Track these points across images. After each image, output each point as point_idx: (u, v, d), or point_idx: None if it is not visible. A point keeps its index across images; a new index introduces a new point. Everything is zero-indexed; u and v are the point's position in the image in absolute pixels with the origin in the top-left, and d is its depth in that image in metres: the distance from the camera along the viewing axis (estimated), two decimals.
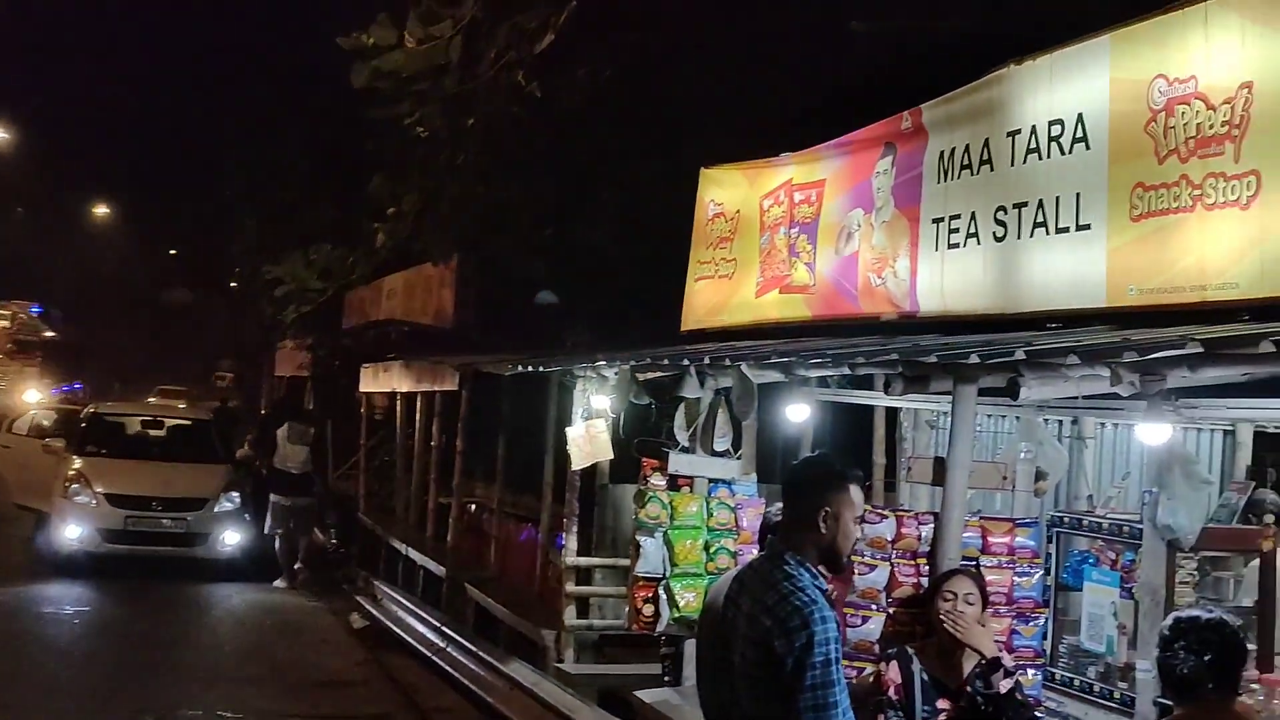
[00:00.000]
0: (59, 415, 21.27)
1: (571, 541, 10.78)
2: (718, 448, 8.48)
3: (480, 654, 11.39)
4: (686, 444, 8.59)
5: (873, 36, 13.24)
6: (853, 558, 5.78)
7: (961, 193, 7.51)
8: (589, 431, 9.67)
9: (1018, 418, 7.87)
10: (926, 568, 5.90)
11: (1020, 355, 5.40)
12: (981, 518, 6.39)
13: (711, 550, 7.83)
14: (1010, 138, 7.10)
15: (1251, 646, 6.02)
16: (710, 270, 10.47)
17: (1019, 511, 7.36)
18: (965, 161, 7.49)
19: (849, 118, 8.99)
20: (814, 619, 3.82)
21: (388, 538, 17.48)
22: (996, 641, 5.55)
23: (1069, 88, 6.70)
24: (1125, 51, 6.36)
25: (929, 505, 7.49)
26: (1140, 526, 6.11)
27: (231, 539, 17.66)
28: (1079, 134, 6.57)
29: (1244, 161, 5.58)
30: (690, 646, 7.65)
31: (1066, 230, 6.59)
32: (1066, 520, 7.04)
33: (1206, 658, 4.01)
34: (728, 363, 7.98)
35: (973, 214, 7.37)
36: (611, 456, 9.84)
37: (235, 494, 18.05)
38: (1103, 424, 8.06)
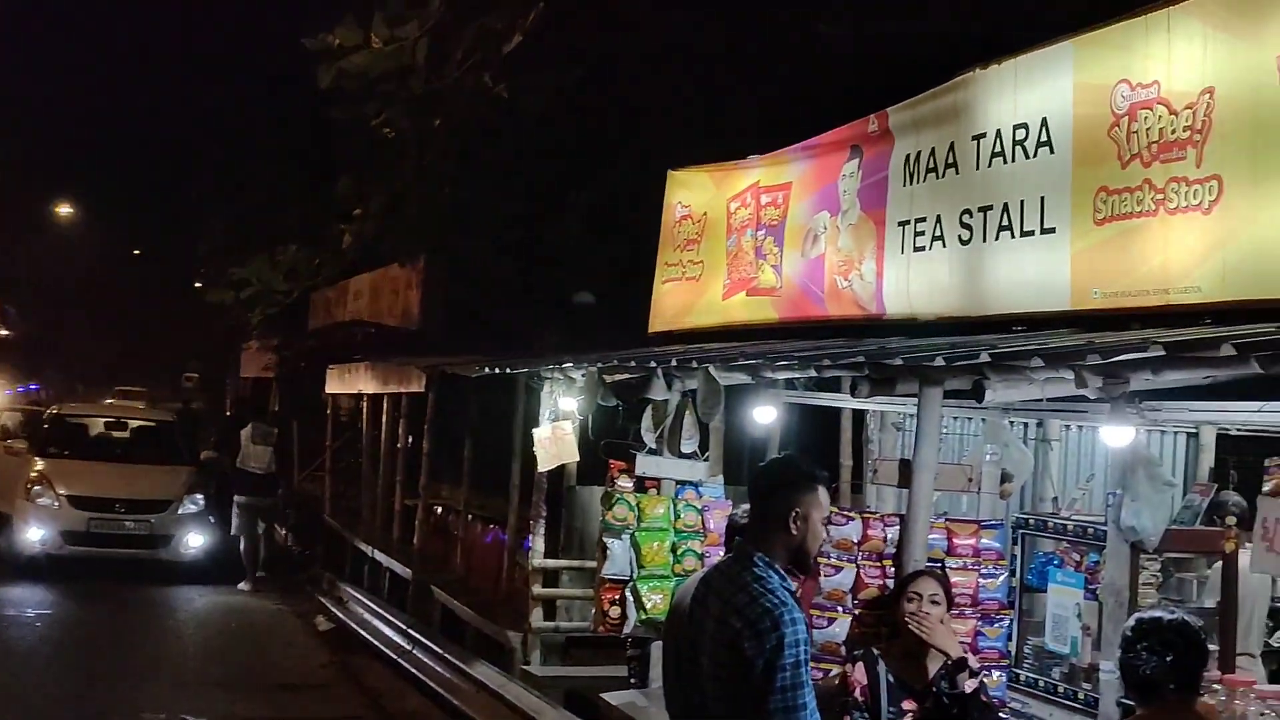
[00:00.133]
0: (22, 416, 21.10)
1: (538, 543, 10.76)
2: (685, 450, 8.49)
3: (446, 656, 11.35)
4: (653, 446, 8.60)
5: (840, 40, 13.28)
6: (819, 559, 5.81)
7: (927, 196, 7.54)
8: (555, 433, 9.66)
9: (983, 420, 7.92)
10: (892, 569, 5.92)
11: (985, 358, 5.43)
12: (947, 519, 6.42)
13: (679, 552, 7.83)
14: (975, 141, 7.14)
15: (1213, 647, 6.08)
16: (677, 272, 10.48)
17: (984, 513, 7.41)
18: (931, 165, 7.52)
19: (816, 121, 9.02)
20: (784, 620, 3.84)
21: (353, 540, 17.41)
22: (961, 642, 5.58)
23: (1033, 92, 6.74)
24: (1089, 56, 6.40)
25: (895, 507, 7.52)
26: (1104, 528, 6.16)
27: (195, 541, 17.56)
28: (1043, 138, 6.61)
29: (1206, 166, 5.62)
30: (657, 649, 7.65)
31: (1031, 233, 6.63)
32: (1031, 522, 7.09)
33: (1169, 658, 4.04)
34: (695, 365, 7.98)
35: (938, 217, 7.40)
36: (577, 458, 9.84)
37: (199, 496, 17.95)
38: (1068, 426, 8.12)
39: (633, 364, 8.75)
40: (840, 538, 6.04)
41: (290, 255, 23.45)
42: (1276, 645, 7.24)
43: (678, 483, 8.32)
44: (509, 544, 12.43)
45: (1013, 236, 6.77)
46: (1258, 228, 5.37)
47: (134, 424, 20.41)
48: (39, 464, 17.62)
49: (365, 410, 19.55)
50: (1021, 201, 6.71)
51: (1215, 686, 5.63)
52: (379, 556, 15.92)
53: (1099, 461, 8.04)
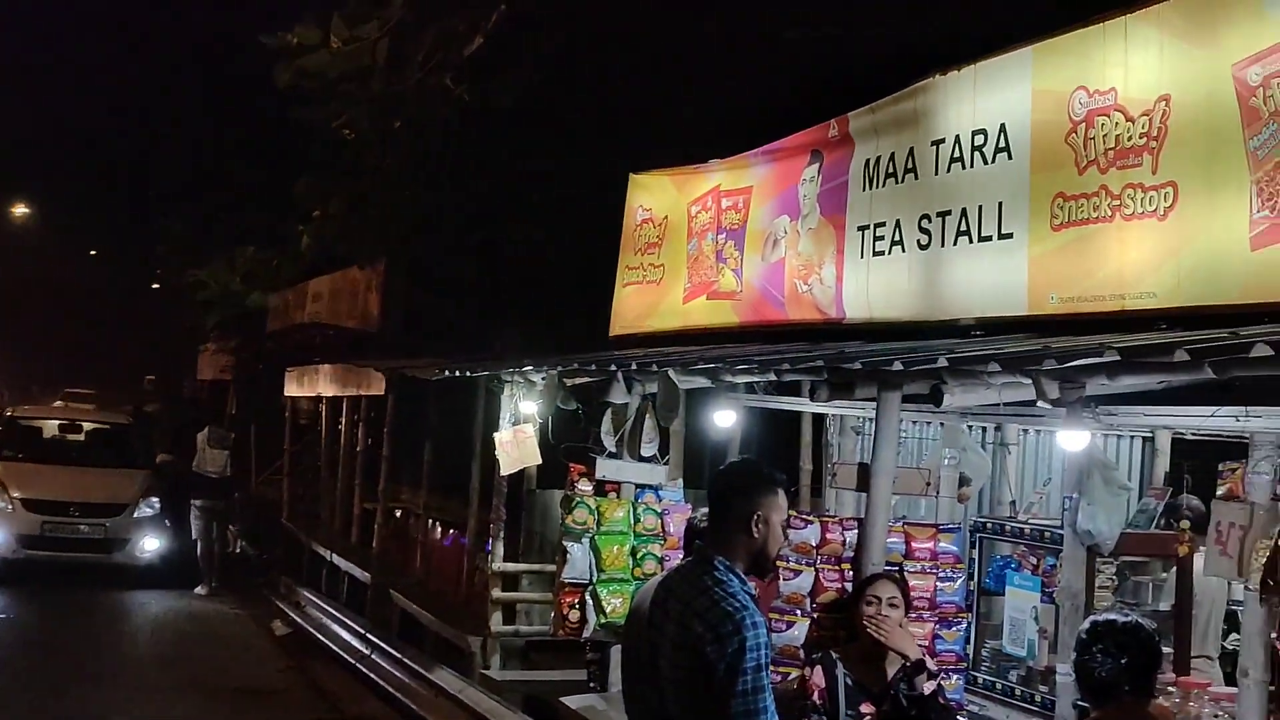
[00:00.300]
0: None
1: (498, 547, 10.73)
2: (644, 453, 8.49)
3: (405, 660, 11.31)
4: (613, 449, 8.59)
5: (802, 44, 13.32)
6: (778, 563, 5.82)
7: (887, 201, 7.58)
8: (516, 437, 9.63)
9: (942, 424, 7.95)
10: (851, 573, 5.94)
11: (943, 362, 5.45)
12: (905, 523, 6.45)
13: (638, 556, 7.83)
14: (934, 147, 7.18)
15: (1169, 649, 6.13)
16: (638, 276, 10.48)
17: (943, 517, 7.44)
18: (890, 170, 7.56)
19: (777, 125, 9.04)
20: (746, 624, 3.84)
21: (312, 543, 17.31)
22: (919, 645, 5.60)
23: (992, 98, 6.78)
24: (1047, 63, 6.45)
25: (854, 511, 7.53)
26: (1061, 532, 6.20)
27: (151, 545, 17.42)
28: (1001, 144, 6.66)
29: (1161, 173, 5.68)
30: (617, 652, 7.64)
31: (989, 239, 6.68)
32: (989, 526, 7.12)
33: (1123, 661, 4.07)
34: (655, 368, 7.98)
35: (897, 222, 7.43)
36: (539, 462, 9.82)
37: (155, 499, 17.80)
38: (1025, 430, 8.16)
39: (593, 367, 8.74)
40: (799, 541, 6.05)
41: (248, 257, 23.30)
42: (1231, 648, 7.30)
43: (637, 486, 8.32)
44: (469, 547, 12.40)
45: (971, 242, 6.81)
46: (1212, 234, 5.42)
47: (89, 427, 20.22)
48: None
49: (324, 413, 19.44)
50: (980, 207, 6.76)
51: (1170, 689, 5.69)
52: (337, 560, 15.84)
53: (1056, 466, 8.09)
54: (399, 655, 11.52)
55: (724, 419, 8.61)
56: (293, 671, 12.95)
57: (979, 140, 6.82)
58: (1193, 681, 5.84)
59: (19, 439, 18.76)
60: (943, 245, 7.04)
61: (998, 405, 6.19)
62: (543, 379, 9.36)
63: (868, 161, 7.77)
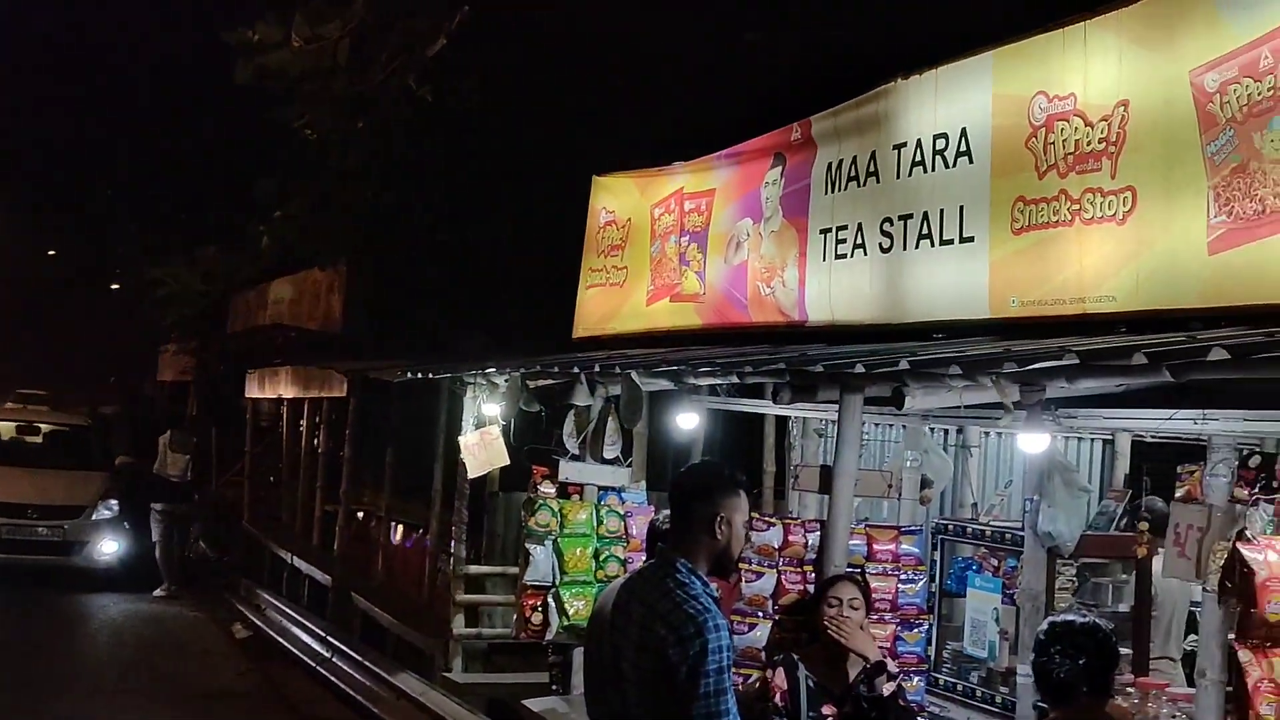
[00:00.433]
0: None
1: (461, 549, 10.70)
2: (607, 455, 8.48)
3: (367, 664, 11.25)
4: (576, 452, 8.58)
5: (765, 48, 13.35)
6: (740, 565, 5.83)
7: (849, 204, 7.60)
8: (484, 438, 9.58)
9: (904, 427, 7.98)
10: (813, 575, 5.95)
11: (905, 365, 5.47)
12: (867, 525, 6.48)
13: (601, 558, 7.83)
14: (896, 150, 7.21)
15: (1127, 650, 6.18)
16: (602, 278, 10.48)
17: (905, 519, 7.48)
18: (853, 173, 7.59)
19: (740, 128, 9.06)
20: (708, 627, 3.84)
21: (273, 546, 17.21)
22: (880, 647, 5.62)
23: (953, 102, 6.82)
24: (1008, 68, 6.49)
25: (818, 513, 7.55)
26: (1022, 534, 6.23)
27: (109, 547, 17.28)
28: (963, 148, 6.69)
29: (1120, 178, 5.72)
30: (579, 655, 7.63)
31: (950, 242, 6.71)
32: (950, 528, 7.16)
33: (1081, 661, 4.09)
34: (618, 370, 7.98)
35: (859, 225, 7.46)
36: (508, 462, 9.75)
37: (113, 501, 17.66)
38: (987, 433, 8.21)
39: (556, 369, 8.74)
40: (761, 543, 6.07)
41: (208, 257, 23.14)
42: (1192, 649, 7.37)
43: (600, 488, 8.31)
44: (431, 550, 12.35)
45: (932, 245, 6.85)
46: (1170, 238, 5.47)
47: (47, 428, 20.02)
48: None
49: (286, 415, 19.33)
50: (941, 210, 6.79)
51: (1129, 689, 5.73)
52: (299, 563, 15.75)
53: (1017, 468, 8.14)
54: (360, 658, 11.47)
55: (687, 421, 8.62)
56: (253, 675, 12.87)
57: (940, 144, 6.85)
58: (1151, 682, 5.88)
59: None
60: (904, 248, 7.07)
61: (959, 408, 6.22)
62: (506, 381, 9.34)
63: (830, 165, 7.80)
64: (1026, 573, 6.09)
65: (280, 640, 13.70)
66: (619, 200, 10.36)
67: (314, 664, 12.39)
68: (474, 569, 10.88)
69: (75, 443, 19.32)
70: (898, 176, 7.19)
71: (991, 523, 7.05)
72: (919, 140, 7.02)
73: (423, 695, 9.83)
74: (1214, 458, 5.10)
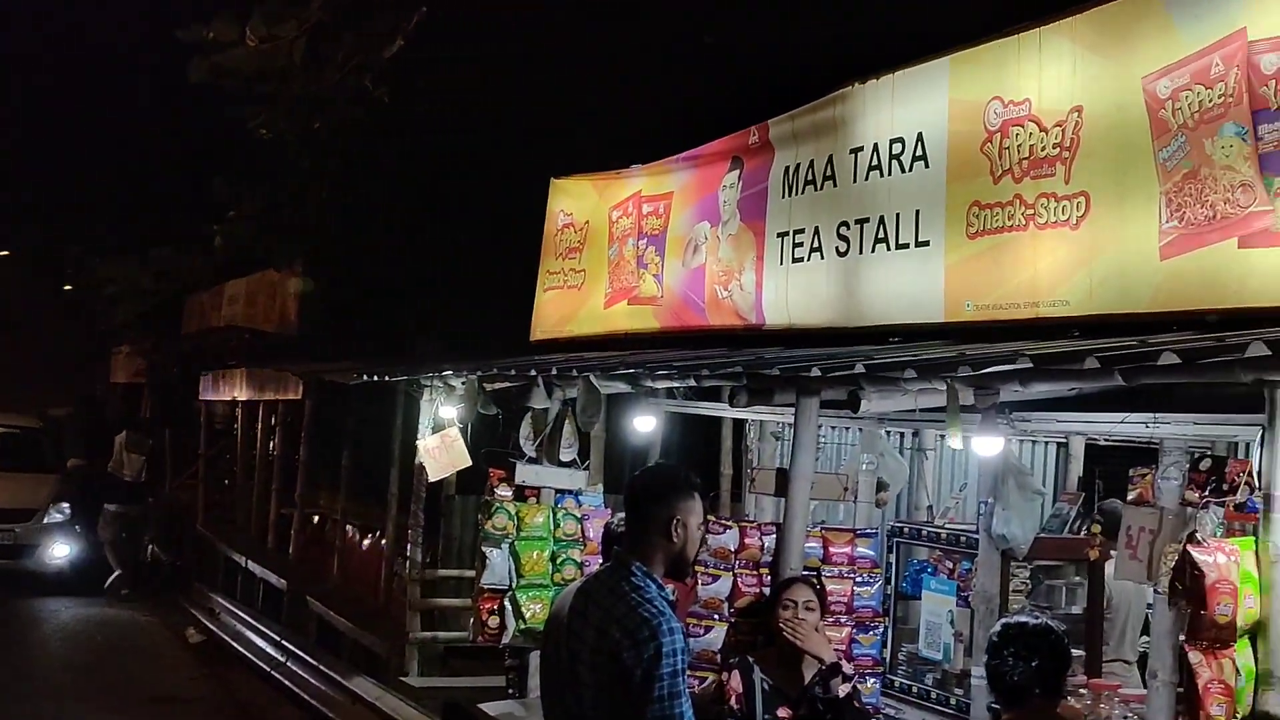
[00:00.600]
0: None
1: (417, 553, 10.65)
2: (564, 458, 8.45)
3: (322, 668, 11.18)
4: (533, 454, 8.55)
5: (723, 51, 13.37)
6: (696, 568, 5.83)
7: (806, 208, 7.62)
8: (444, 440, 9.53)
9: (860, 430, 8.01)
10: (769, 578, 5.96)
11: (860, 369, 5.49)
12: (823, 528, 6.49)
13: (558, 561, 7.80)
14: (853, 155, 7.23)
15: (1080, 652, 6.23)
16: (559, 280, 10.46)
17: (861, 522, 7.51)
18: (810, 177, 7.61)
19: (698, 131, 9.07)
20: (662, 630, 3.84)
21: (227, 550, 17.08)
22: (836, 649, 5.64)
23: (910, 107, 6.85)
24: (964, 73, 6.52)
25: (774, 516, 7.57)
26: (976, 536, 6.26)
27: (61, 551, 17.13)
28: (919, 152, 6.72)
29: (1074, 183, 5.77)
30: (535, 658, 7.60)
31: (906, 246, 6.74)
32: (906, 530, 7.18)
33: (1034, 663, 4.12)
34: (575, 373, 7.96)
35: (816, 229, 7.48)
36: (470, 464, 9.70)
37: (65, 505, 17.50)
38: (942, 436, 8.24)
39: (513, 372, 8.71)
40: (718, 546, 6.07)
41: (161, 256, 22.92)
42: (1145, 651, 7.43)
43: (557, 491, 8.29)
44: (387, 553, 12.29)
45: (889, 249, 6.88)
46: (1122, 243, 5.52)
47: None
48: None
49: (241, 417, 19.19)
50: (897, 214, 6.82)
51: (1082, 690, 5.77)
52: (253, 566, 15.63)
53: (972, 471, 8.18)
54: (315, 663, 11.40)
55: (644, 424, 8.61)
56: (206, 680, 12.78)
57: (897, 149, 6.88)
58: (1103, 684, 5.92)
59: None
60: (861, 252, 7.10)
61: (915, 411, 6.25)
62: (463, 384, 9.30)
63: (787, 168, 7.82)
64: (981, 575, 6.12)
65: (234, 645, 13.60)
66: (577, 203, 10.36)
67: (268, 668, 12.31)
68: (430, 572, 10.83)
69: (26, 445, 19.10)
70: (854, 181, 7.21)
71: (946, 525, 7.08)
72: (875, 145, 7.05)
73: (378, 699, 9.78)
74: (1165, 461, 5.13)
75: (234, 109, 16.46)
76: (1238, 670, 4.35)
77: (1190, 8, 5.33)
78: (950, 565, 6.71)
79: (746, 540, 6.14)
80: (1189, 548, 4.44)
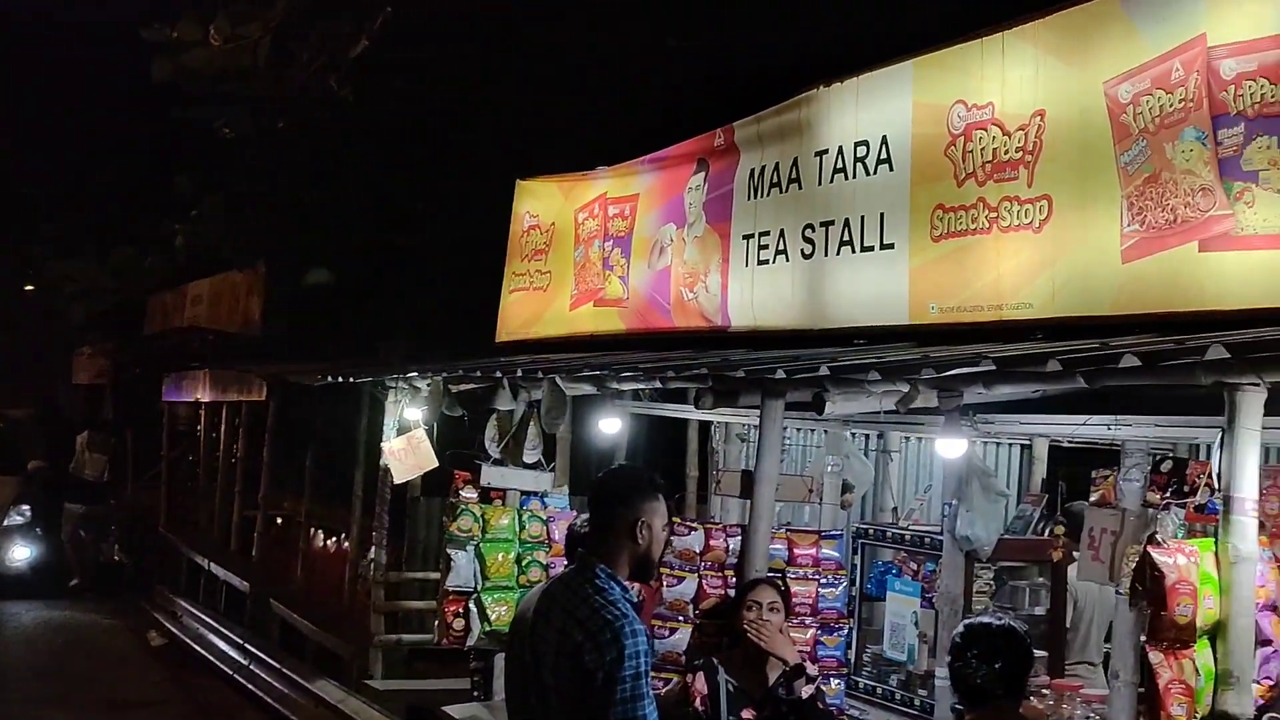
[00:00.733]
0: None
1: (381, 555, 10.61)
2: (528, 459, 8.44)
3: (285, 671, 11.13)
4: (498, 456, 8.53)
5: (688, 53, 13.38)
6: (661, 570, 5.83)
7: (771, 210, 7.64)
8: (410, 442, 9.48)
9: (825, 432, 8.03)
10: (734, 579, 5.97)
11: (825, 371, 5.51)
12: (788, 530, 6.51)
13: (524, 563, 7.79)
14: (818, 157, 7.25)
15: (1043, 653, 6.26)
16: (525, 282, 10.44)
17: (826, 524, 7.52)
18: (775, 179, 7.62)
19: (663, 133, 9.07)
20: (625, 632, 3.83)
21: (190, 552, 16.96)
22: (801, 651, 5.65)
23: (874, 110, 6.87)
24: (928, 77, 6.55)
25: (739, 518, 7.58)
26: (941, 538, 6.29)
27: (21, 553, 16.98)
28: (883, 155, 6.75)
29: (1037, 186, 5.80)
30: (500, 661, 7.58)
31: (871, 249, 6.76)
32: (871, 532, 7.21)
33: (997, 664, 4.14)
34: (540, 375, 7.95)
35: (782, 231, 7.50)
36: (436, 465, 9.67)
37: (25, 507, 17.35)
38: (907, 438, 8.28)
39: (478, 374, 8.69)
40: (683, 548, 6.08)
41: (122, 255, 22.76)
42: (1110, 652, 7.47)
43: (523, 493, 8.27)
44: (351, 555, 12.24)
45: (854, 251, 6.90)
46: (1085, 247, 5.55)
47: None
48: None
49: (204, 419, 19.07)
50: (862, 217, 6.84)
51: (1045, 691, 5.81)
52: (216, 569, 15.53)
53: (937, 473, 8.22)
54: (278, 666, 11.34)
55: (610, 426, 8.60)
56: (169, 683, 12.69)
57: (861, 151, 6.91)
58: (1066, 684, 5.96)
59: None
60: (826, 255, 7.12)
61: (879, 413, 6.27)
62: (428, 385, 9.27)
63: (753, 171, 7.83)
64: (945, 576, 6.14)
65: (196, 648, 13.52)
66: (543, 204, 10.34)
67: (231, 672, 12.23)
68: (395, 575, 10.79)
69: None
70: (819, 183, 7.23)
71: (911, 527, 7.11)
72: (840, 147, 7.07)
73: (342, 702, 9.74)
74: (1127, 463, 5.17)
75: (198, 108, 16.38)
76: (1198, 670, 4.38)
77: (1151, 13, 5.37)
78: (915, 567, 6.74)
79: (712, 542, 6.14)
80: (1149, 549, 4.47)
